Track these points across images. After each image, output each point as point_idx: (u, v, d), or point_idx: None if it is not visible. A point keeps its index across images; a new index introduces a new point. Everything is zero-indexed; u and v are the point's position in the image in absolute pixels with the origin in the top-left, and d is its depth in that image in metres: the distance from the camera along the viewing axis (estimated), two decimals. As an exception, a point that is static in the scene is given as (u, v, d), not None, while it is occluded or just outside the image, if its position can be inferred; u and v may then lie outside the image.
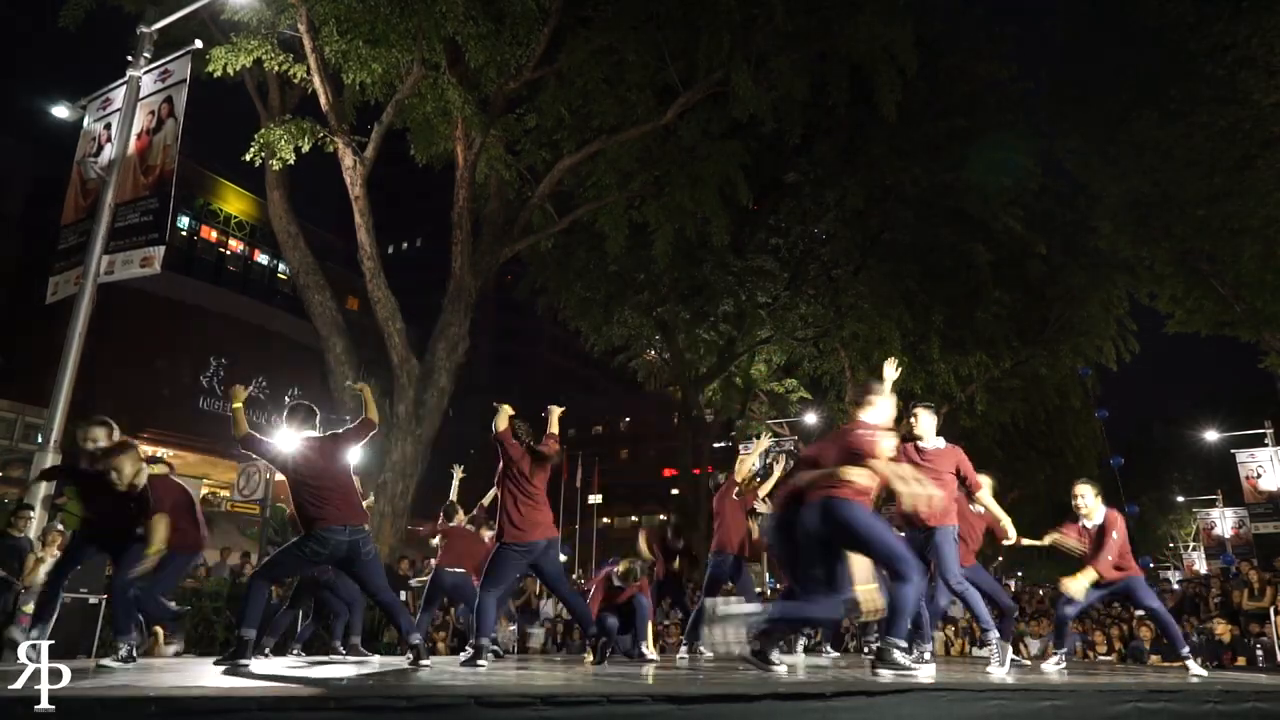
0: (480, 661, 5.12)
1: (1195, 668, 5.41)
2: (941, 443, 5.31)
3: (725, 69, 12.05)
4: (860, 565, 4.06)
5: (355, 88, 11.67)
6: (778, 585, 10.85)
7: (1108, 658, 10.61)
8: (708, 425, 21.03)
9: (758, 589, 16.36)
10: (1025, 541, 5.88)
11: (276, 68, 10.92)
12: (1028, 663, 7.19)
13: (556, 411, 5.89)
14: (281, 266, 29.47)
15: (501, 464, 5.44)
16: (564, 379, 57.83)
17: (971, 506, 5.91)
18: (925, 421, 5.31)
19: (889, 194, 17.06)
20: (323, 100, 11.23)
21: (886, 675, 3.59)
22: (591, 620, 6.12)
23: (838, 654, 8.12)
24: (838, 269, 18.00)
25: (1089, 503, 5.61)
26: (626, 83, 12.28)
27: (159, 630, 8.99)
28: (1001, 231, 16.57)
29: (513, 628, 10.94)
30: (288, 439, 4.88)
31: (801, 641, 7.83)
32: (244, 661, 4.52)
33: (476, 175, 12.74)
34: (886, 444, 4.02)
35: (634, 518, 43.94)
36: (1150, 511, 34.49)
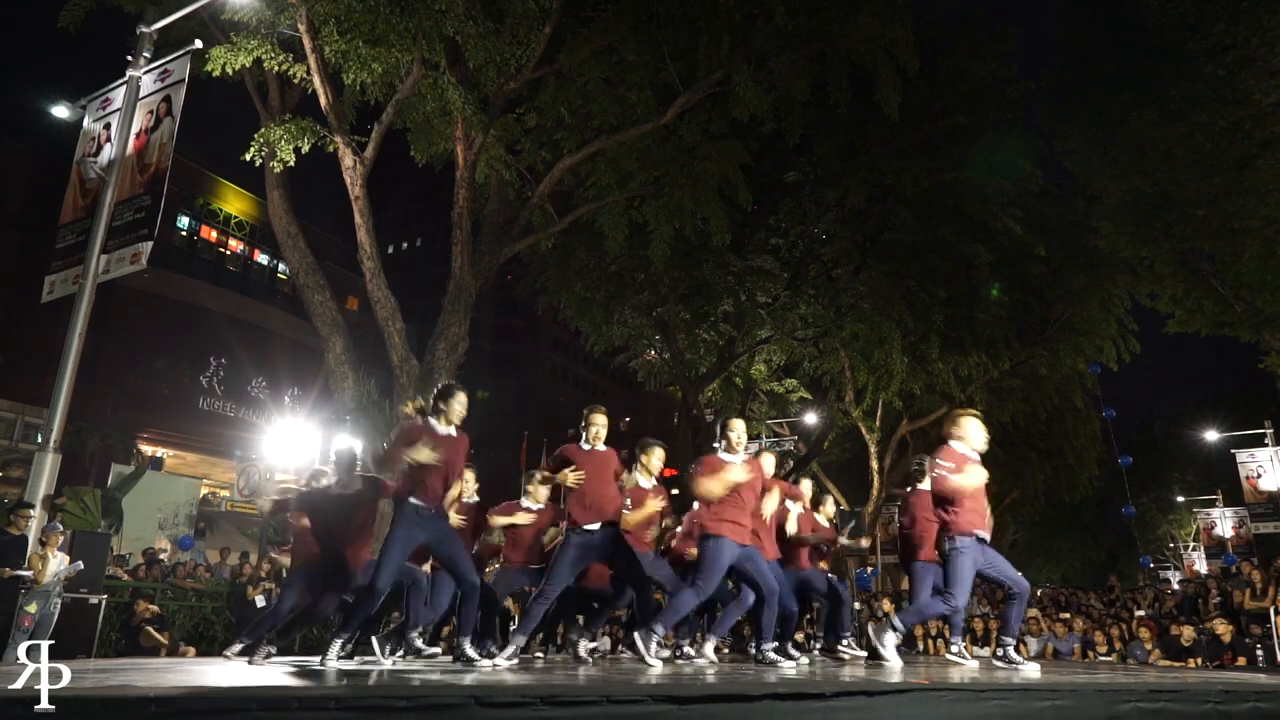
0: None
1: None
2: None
3: (725, 69, 12.02)
4: None
5: (355, 88, 11.65)
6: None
7: (1108, 658, 10.61)
8: (708, 425, 21.04)
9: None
10: None
11: (276, 68, 10.91)
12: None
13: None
14: (281, 266, 29.49)
15: None
16: (564, 379, 57.82)
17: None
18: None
19: (889, 194, 17.03)
20: (323, 100, 11.21)
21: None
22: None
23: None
24: (838, 269, 17.97)
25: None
26: (626, 83, 12.25)
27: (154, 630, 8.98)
28: (1001, 232, 16.56)
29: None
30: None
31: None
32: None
33: (476, 175, 12.72)
34: None
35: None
36: (1150, 511, 34.45)
